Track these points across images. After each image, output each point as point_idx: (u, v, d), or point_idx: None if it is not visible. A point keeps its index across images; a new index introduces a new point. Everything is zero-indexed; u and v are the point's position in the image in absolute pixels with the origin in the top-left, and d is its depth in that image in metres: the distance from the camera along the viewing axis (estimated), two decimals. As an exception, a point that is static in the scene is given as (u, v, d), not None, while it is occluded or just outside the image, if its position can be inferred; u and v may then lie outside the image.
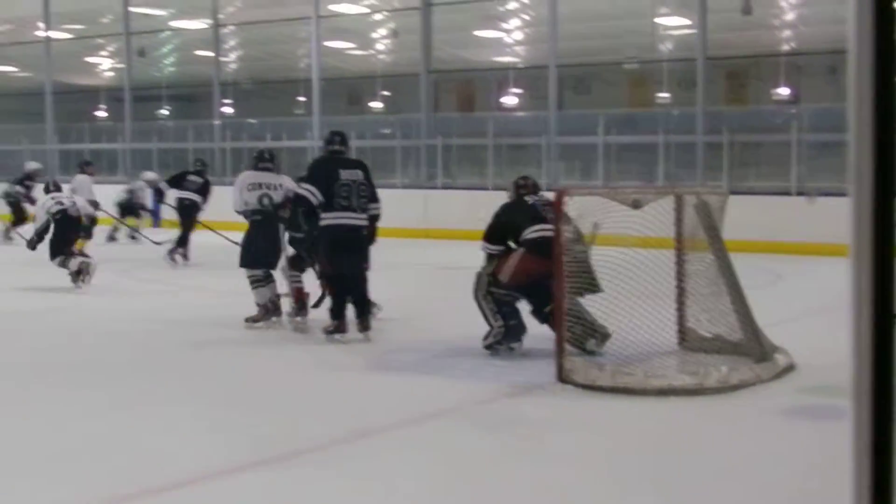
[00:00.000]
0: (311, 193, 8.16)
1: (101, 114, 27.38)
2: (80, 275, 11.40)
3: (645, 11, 19.06)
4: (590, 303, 7.24)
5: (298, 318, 8.95)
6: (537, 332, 7.46)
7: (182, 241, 14.11)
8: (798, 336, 7.63)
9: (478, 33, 22.36)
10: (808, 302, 10.20)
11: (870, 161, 1.43)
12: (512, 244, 7.68)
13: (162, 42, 25.73)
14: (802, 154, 16.00)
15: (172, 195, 14.65)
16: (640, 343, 6.92)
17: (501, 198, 8.12)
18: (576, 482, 4.83)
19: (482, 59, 23.19)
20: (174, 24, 25.13)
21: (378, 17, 22.46)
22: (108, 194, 16.01)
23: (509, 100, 21.77)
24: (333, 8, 21.59)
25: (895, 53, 1.40)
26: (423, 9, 19.72)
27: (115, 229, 16.79)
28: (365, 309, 8.29)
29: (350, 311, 8.29)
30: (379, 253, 8.53)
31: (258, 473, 4.95)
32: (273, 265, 9.08)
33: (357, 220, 8.22)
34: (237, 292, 9.40)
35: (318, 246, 8.55)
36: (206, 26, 23.01)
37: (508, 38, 22.18)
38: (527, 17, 21.05)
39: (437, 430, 5.77)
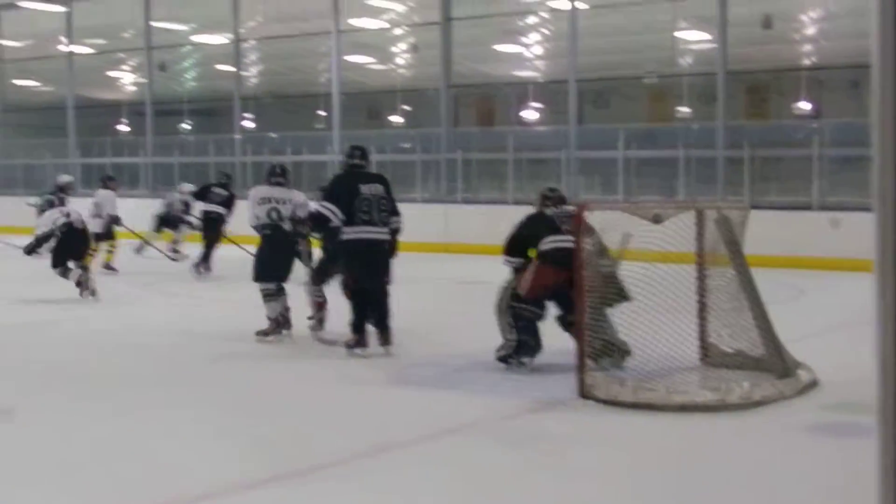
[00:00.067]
0: (332, 213, 8.19)
1: (123, 128, 27.49)
2: (78, 286, 11.54)
3: (665, 26, 19.04)
4: (612, 316, 7.22)
5: (319, 331, 9.00)
6: (559, 347, 7.43)
7: (206, 254, 14.17)
8: (821, 352, 7.58)
9: (498, 48, 22.37)
10: (831, 317, 10.14)
11: (893, 175, 1.42)
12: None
13: (183, 56, 25.84)
14: (824, 169, 15.92)
15: (199, 208, 14.72)
16: (662, 358, 6.89)
17: (521, 212, 8.12)
18: (597, 498, 4.82)
19: (502, 74, 23.18)
20: (195, 38, 25.25)
21: (398, 31, 22.50)
22: (130, 208, 16.05)
23: (529, 114, 21.76)
24: (354, 23, 21.66)
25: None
26: (443, 24, 19.76)
27: (146, 242, 16.79)
28: (386, 323, 8.29)
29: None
30: (399, 267, 8.53)
31: (278, 487, 4.95)
32: (285, 278, 9.13)
33: (378, 233, 8.23)
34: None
35: (339, 260, 8.59)
36: (226, 41, 23.11)
37: (528, 52, 22.18)
38: (546, 32, 21.05)
39: (458, 444, 5.76)
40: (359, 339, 8.23)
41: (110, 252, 14.50)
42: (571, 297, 7.00)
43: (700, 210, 7.57)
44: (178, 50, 25.32)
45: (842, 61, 19.05)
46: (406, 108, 24.38)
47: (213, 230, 14.30)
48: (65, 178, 17.35)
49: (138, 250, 16.32)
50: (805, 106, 19.64)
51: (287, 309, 9.14)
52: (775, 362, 6.97)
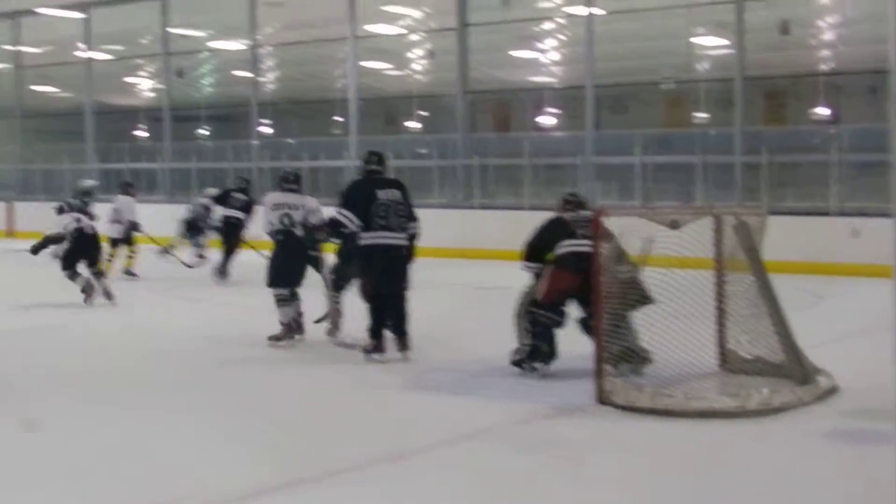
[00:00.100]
0: (349, 220, 8.22)
1: (141, 133, 27.58)
2: (83, 293, 11.63)
3: (682, 32, 18.99)
4: (634, 323, 7.21)
5: (336, 336, 9.04)
6: (577, 352, 7.40)
7: (226, 259, 14.20)
8: (840, 358, 7.54)
9: (514, 53, 22.35)
10: (850, 323, 10.09)
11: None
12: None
13: (200, 62, 25.93)
14: (842, 174, 15.86)
15: (219, 213, 14.75)
16: (680, 364, 6.88)
17: (538, 217, 8.11)
18: (615, 504, 4.80)
19: (518, 80, 23.15)
20: (212, 44, 25.34)
21: (414, 37, 22.51)
22: (148, 214, 16.08)
23: (546, 120, 21.73)
24: (370, 29, 21.69)
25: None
26: (460, 29, 19.77)
27: (172, 247, 16.80)
28: (404, 329, 8.30)
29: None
30: (416, 272, 8.53)
31: (293, 493, 4.96)
32: (298, 283, 9.19)
33: (396, 239, 8.24)
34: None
35: (356, 265, 8.61)
36: (244, 47, 23.18)
37: (545, 58, 22.15)
38: (563, 38, 21.03)
39: (476, 450, 5.75)
40: (376, 345, 8.24)
41: (131, 257, 14.56)
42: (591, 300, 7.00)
43: (718, 216, 7.55)
44: (196, 56, 25.41)
45: (860, 67, 18.96)
46: (423, 113, 24.38)
47: (232, 235, 14.33)
48: (87, 183, 17.37)
49: (163, 253, 16.33)
50: (823, 111, 19.55)
51: (300, 314, 9.21)
52: (794, 368, 6.94)
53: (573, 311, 7.63)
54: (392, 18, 21.81)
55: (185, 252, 15.96)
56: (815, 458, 5.53)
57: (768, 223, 7.55)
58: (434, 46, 22.15)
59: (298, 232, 9.11)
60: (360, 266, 8.43)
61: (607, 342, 6.84)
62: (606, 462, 5.49)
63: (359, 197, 8.32)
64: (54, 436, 6.02)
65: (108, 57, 26.41)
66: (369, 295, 8.29)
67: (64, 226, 11.77)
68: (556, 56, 21.96)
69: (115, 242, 14.58)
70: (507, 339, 7.70)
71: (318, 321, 9.28)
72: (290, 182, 9.45)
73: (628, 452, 5.67)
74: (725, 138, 17.38)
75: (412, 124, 24.41)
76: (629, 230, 7.07)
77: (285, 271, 9.13)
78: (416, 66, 23.62)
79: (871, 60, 16.44)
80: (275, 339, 9.07)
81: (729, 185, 16.78)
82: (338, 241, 8.83)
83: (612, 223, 7.07)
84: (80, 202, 16.37)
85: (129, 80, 27.77)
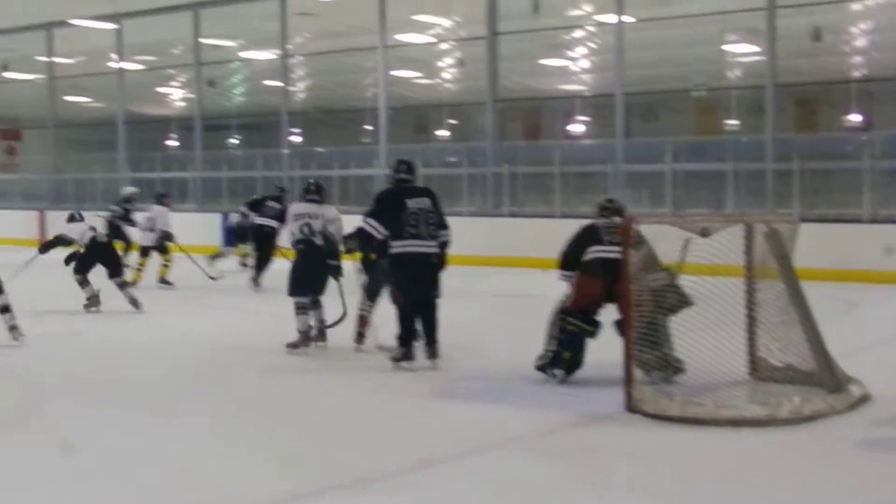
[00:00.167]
0: (375, 229, 8.26)
1: (172, 143, 27.80)
2: (88, 301, 11.82)
3: (713, 39, 18.95)
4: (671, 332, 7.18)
5: (361, 344, 9.09)
6: (606, 360, 7.37)
7: (260, 267, 14.24)
8: (872, 366, 7.48)
9: (544, 62, 22.37)
10: (882, 331, 10.02)
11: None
12: None
13: (231, 72, 26.11)
14: (875, 181, 15.74)
15: (253, 219, 14.78)
16: (711, 372, 6.84)
17: (568, 225, 8.09)
18: (645, 513, 4.78)
19: (548, 88, 23.18)
20: (243, 54, 25.49)
21: (444, 46, 22.57)
22: (178, 222, 16.15)
23: (576, 128, 21.74)
24: (400, 38, 21.75)
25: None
26: (490, 38, 19.78)
27: (221, 255, 16.87)
28: (434, 337, 8.29)
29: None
30: (445, 280, 8.53)
31: (322, 501, 4.96)
32: (319, 292, 9.24)
33: (426, 247, 8.24)
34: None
35: (385, 273, 8.63)
36: (274, 57, 23.29)
37: (575, 66, 22.16)
38: (593, 46, 21.03)
39: (505, 459, 5.73)
40: (405, 353, 8.24)
41: (166, 266, 14.63)
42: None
43: (749, 223, 7.51)
44: (227, 66, 25.59)
45: (892, 73, 18.87)
46: (452, 122, 24.45)
47: (266, 244, 14.34)
48: (129, 190, 17.53)
49: (216, 258, 16.40)
50: (855, 118, 19.46)
51: (323, 322, 9.27)
52: (826, 376, 6.89)
53: (610, 313, 7.57)
54: (422, 27, 21.87)
55: (231, 260, 16.05)
56: (846, 467, 5.49)
57: (800, 231, 7.51)
58: (464, 55, 22.19)
59: (318, 241, 9.17)
60: (390, 274, 8.45)
61: (640, 350, 6.82)
62: (636, 471, 5.46)
63: (387, 206, 8.35)
64: (74, 441, 6.03)
65: (140, 67, 26.62)
66: (400, 302, 8.30)
67: (80, 234, 11.89)
68: (585, 64, 21.97)
69: (145, 251, 14.67)
70: (536, 347, 7.69)
71: (330, 326, 9.30)
72: (310, 192, 9.54)
73: (658, 461, 5.63)
74: (757, 145, 17.30)
75: (442, 133, 24.48)
76: (663, 237, 7.05)
77: (305, 280, 9.19)
78: (445, 75, 23.69)
79: (904, 67, 16.33)
80: (292, 346, 9.12)
81: (760, 192, 16.70)
82: (365, 250, 8.84)
83: (644, 230, 7.05)
84: (122, 209, 16.57)
85: (160, 90, 28.02)
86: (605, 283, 7.24)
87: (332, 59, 23.89)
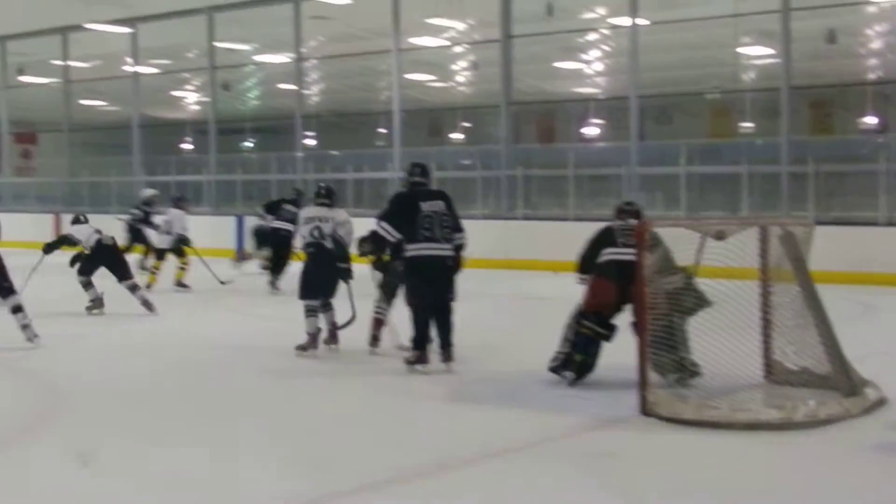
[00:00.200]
0: (388, 232, 8.27)
1: (187, 146, 27.86)
2: (91, 303, 11.88)
3: (727, 41, 18.91)
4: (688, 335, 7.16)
5: (375, 348, 9.10)
6: (621, 363, 7.36)
7: (277, 270, 14.26)
8: (888, 369, 7.45)
9: (558, 65, 22.36)
10: (898, 335, 9.98)
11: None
12: None
13: (246, 76, 26.17)
14: (890, 184, 15.69)
15: (270, 223, 14.80)
16: (726, 376, 6.83)
17: (582, 228, 8.09)
18: (660, 517, 4.77)
19: (562, 91, 23.16)
20: (258, 58, 25.56)
21: (458, 49, 22.58)
22: (192, 225, 16.19)
23: (590, 130, 21.71)
24: (414, 41, 21.76)
25: None
26: (503, 41, 19.78)
27: (250, 257, 16.90)
28: (448, 340, 8.29)
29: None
30: (460, 283, 8.52)
31: None
32: (329, 295, 9.26)
33: (441, 250, 8.24)
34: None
35: (400, 276, 8.63)
36: (288, 60, 23.33)
37: (589, 69, 22.15)
38: (607, 49, 21.01)
39: (518, 462, 5.72)
40: (420, 356, 8.24)
41: (183, 269, 14.66)
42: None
43: (764, 226, 7.49)
44: (241, 69, 25.65)
45: (908, 75, 18.79)
46: (466, 124, 24.44)
47: (283, 247, 14.34)
48: (148, 192, 17.60)
49: (243, 260, 16.43)
50: (871, 120, 19.39)
51: (334, 324, 9.27)
52: (841, 380, 6.86)
53: (628, 316, 7.55)
54: (436, 31, 21.88)
55: (255, 263, 16.09)
56: (862, 471, 5.47)
57: (815, 233, 7.48)
58: (478, 58, 22.20)
59: (328, 244, 9.19)
60: (405, 277, 8.45)
61: (656, 353, 6.81)
62: (650, 474, 5.44)
63: (401, 209, 8.36)
64: (74, 441, 6.04)
65: (155, 71, 26.72)
66: (414, 305, 8.31)
67: (87, 236, 11.94)
68: (600, 67, 21.96)
69: (160, 254, 14.72)
70: (550, 350, 7.69)
71: (340, 328, 9.30)
72: (321, 196, 9.58)
73: (672, 465, 5.62)
74: (771, 148, 17.26)
75: (456, 135, 24.48)
76: (678, 240, 7.04)
77: (315, 283, 9.20)
78: (459, 78, 23.70)
79: (920, 69, 16.27)
80: (301, 348, 9.14)
81: (775, 195, 16.65)
82: (379, 253, 8.84)
83: (664, 232, 7.05)
84: (142, 211, 16.63)
85: (175, 93, 28.11)
86: (619, 285, 7.25)
87: (346, 62, 23.92)
